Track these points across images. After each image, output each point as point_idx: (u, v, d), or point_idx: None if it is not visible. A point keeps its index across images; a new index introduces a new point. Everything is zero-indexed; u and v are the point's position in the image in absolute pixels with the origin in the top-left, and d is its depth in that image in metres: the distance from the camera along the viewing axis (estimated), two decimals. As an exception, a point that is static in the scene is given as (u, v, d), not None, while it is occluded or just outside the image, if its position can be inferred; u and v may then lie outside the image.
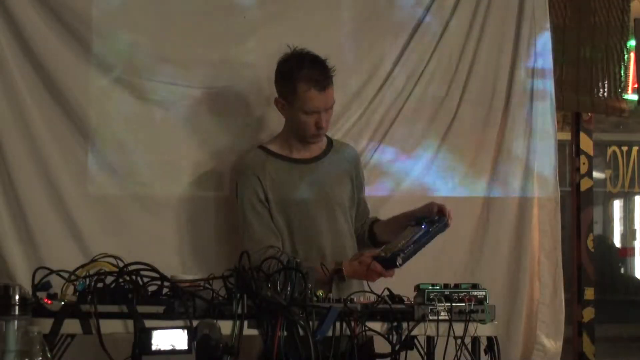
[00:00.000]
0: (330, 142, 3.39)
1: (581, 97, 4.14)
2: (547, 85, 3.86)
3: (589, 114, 4.29)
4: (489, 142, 3.81)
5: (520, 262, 3.78)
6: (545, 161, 3.84)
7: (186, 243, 3.51)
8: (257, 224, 3.17)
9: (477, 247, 3.76)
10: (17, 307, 2.13)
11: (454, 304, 2.54)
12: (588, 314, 4.20)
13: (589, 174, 4.31)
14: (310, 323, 2.40)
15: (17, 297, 2.13)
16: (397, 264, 2.88)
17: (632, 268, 9.63)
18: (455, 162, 3.78)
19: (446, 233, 3.18)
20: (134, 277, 2.41)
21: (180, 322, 2.33)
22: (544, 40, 3.87)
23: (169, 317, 2.34)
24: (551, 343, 3.78)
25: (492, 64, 3.83)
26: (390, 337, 2.51)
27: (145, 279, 2.43)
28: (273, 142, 3.32)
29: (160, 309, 2.36)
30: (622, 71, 4.17)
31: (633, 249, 9.65)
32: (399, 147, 3.73)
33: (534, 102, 3.85)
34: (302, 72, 3.14)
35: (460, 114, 3.79)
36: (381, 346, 2.70)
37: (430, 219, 3.08)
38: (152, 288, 2.44)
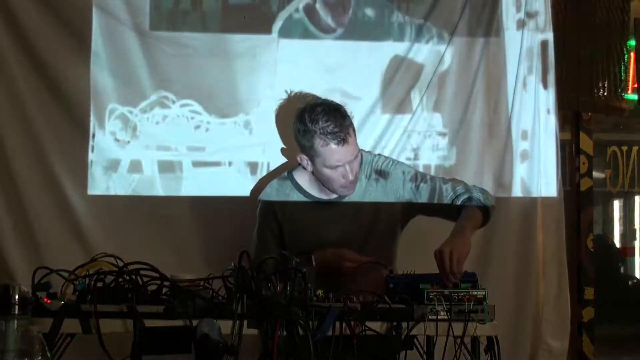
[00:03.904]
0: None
1: (581, 97, 4.14)
2: (549, 86, 3.87)
3: (589, 113, 4.29)
4: (495, 145, 3.82)
5: (526, 262, 3.79)
6: (549, 161, 3.85)
7: (187, 242, 3.52)
8: (260, 249, 3.12)
9: (485, 248, 3.76)
10: (16, 307, 2.13)
11: (453, 304, 2.53)
12: (588, 313, 4.20)
13: (588, 173, 4.30)
14: (310, 323, 2.40)
15: (16, 296, 2.13)
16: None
17: (632, 268, 9.62)
18: (465, 166, 3.79)
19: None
20: (133, 276, 2.41)
21: (180, 322, 2.33)
22: (547, 41, 3.87)
23: (169, 316, 2.34)
24: (556, 343, 3.79)
25: (497, 67, 3.83)
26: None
27: (145, 279, 2.43)
28: (304, 172, 3.14)
29: (160, 309, 2.36)
30: (622, 71, 4.17)
31: (633, 249, 9.64)
32: (412, 155, 3.75)
33: (537, 103, 3.85)
34: (318, 126, 2.97)
35: (468, 119, 3.79)
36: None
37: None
38: (151, 287, 2.45)
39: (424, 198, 3.14)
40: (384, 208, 3.15)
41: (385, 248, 3.17)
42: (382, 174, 3.17)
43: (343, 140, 2.97)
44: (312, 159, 3.03)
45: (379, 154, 3.28)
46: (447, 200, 3.11)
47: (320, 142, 2.97)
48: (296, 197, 3.14)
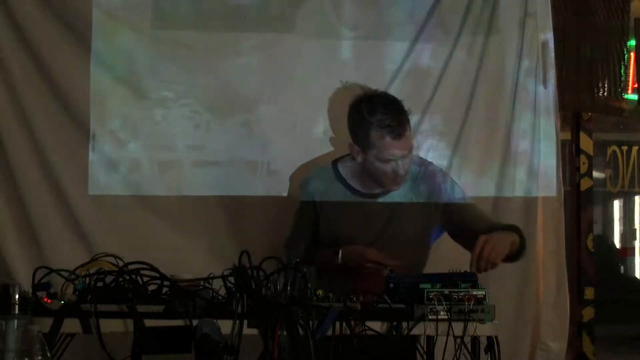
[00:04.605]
0: None
1: (581, 97, 4.14)
2: (549, 86, 3.87)
3: (589, 113, 4.29)
4: (495, 145, 3.82)
5: (526, 262, 3.78)
6: (548, 161, 3.85)
7: (187, 242, 3.52)
8: (295, 234, 3.15)
9: None
10: (17, 307, 2.13)
11: (453, 304, 2.54)
12: (588, 313, 4.19)
13: (588, 173, 4.30)
14: (310, 323, 2.40)
15: (16, 296, 2.14)
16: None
17: (632, 268, 9.64)
18: (465, 166, 3.78)
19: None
20: (133, 276, 2.41)
21: (180, 322, 2.33)
22: (547, 42, 3.87)
23: (169, 316, 2.34)
24: (555, 344, 3.78)
25: (497, 68, 3.83)
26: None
27: (145, 279, 2.43)
28: (349, 164, 3.11)
29: (160, 309, 2.36)
30: (622, 71, 4.16)
31: (633, 248, 9.66)
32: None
33: (537, 103, 3.85)
34: (375, 118, 2.93)
35: (469, 120, 3.79)
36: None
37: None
38: (152, 287, 2.45)
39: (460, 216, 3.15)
40: (421, 212, 3.13)
41: (415, 253, 3.15)
42: (425, 178, 3.15)
43: (399, 135, 2.94)
44: (364, 150, 2.99)
45: (425, 159, 3.28)
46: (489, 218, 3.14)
47: (376, 134, 2.94)
48: (337, 187, 3.12)
